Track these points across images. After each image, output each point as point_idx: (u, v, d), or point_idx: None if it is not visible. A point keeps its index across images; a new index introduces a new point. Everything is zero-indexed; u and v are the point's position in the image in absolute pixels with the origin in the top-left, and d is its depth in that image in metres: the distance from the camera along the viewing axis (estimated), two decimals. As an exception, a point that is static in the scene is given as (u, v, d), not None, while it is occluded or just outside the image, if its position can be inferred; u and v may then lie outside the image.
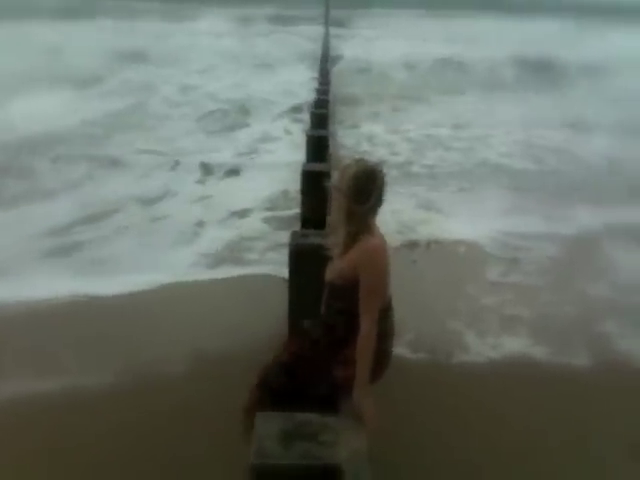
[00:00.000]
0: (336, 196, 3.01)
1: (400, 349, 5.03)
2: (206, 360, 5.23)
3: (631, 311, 6.47)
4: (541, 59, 27.76)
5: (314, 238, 4.35)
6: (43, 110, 14.27)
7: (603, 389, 5.16)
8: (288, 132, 14.93)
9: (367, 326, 2.91)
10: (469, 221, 9.00)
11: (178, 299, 6.51)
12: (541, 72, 23.85)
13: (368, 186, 2.93)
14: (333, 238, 3.18)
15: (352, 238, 2.99)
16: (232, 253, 7.84)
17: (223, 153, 12.75)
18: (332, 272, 3.07)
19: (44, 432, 4.38)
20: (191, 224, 8.73)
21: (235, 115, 16.78)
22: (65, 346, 5.41)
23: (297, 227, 5.98)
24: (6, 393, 4.67)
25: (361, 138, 14.45)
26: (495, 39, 36.00)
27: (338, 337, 3.04)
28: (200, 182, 10.92)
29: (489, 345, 5.81)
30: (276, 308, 5.11)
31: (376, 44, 33.73)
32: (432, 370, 5.34)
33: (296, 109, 17.02)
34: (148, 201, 9.65)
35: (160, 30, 36.73)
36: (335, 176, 3.05)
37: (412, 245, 8.22)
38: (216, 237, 8.26)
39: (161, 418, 4.56)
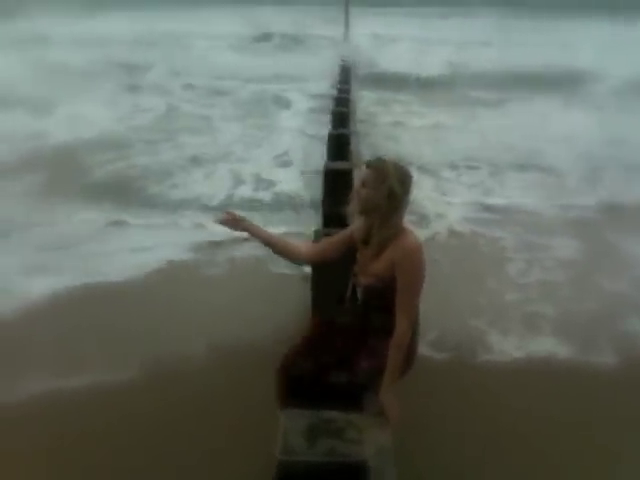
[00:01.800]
0: (368, 197, 2.96)
1: (424, 348, 5.03)
2: (223, 347, 5.28)
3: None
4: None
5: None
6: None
7: (629, 386, 5.11)
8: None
9: (404, 326, 2.91)
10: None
11: (189, 283, 6.66)
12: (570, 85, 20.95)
13: (409, 189, 2.96)
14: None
15: (388, 239, 2.97)
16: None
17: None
18: (368, 274, 3.03)
19: (66, 425, 4.45)
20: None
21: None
22: (78, 339, 5.46)
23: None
24: (28, 389, 4.72)
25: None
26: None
27: (370, 327, 3.05)
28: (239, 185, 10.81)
29: (513, 344, 5.77)
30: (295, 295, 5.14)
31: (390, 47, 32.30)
32: (456, 369, 5.31)
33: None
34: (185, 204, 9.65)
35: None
36: (366, 176, 2.98)
37: (433, 236, 8.34)
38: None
39: (180, 409, 4.61)
